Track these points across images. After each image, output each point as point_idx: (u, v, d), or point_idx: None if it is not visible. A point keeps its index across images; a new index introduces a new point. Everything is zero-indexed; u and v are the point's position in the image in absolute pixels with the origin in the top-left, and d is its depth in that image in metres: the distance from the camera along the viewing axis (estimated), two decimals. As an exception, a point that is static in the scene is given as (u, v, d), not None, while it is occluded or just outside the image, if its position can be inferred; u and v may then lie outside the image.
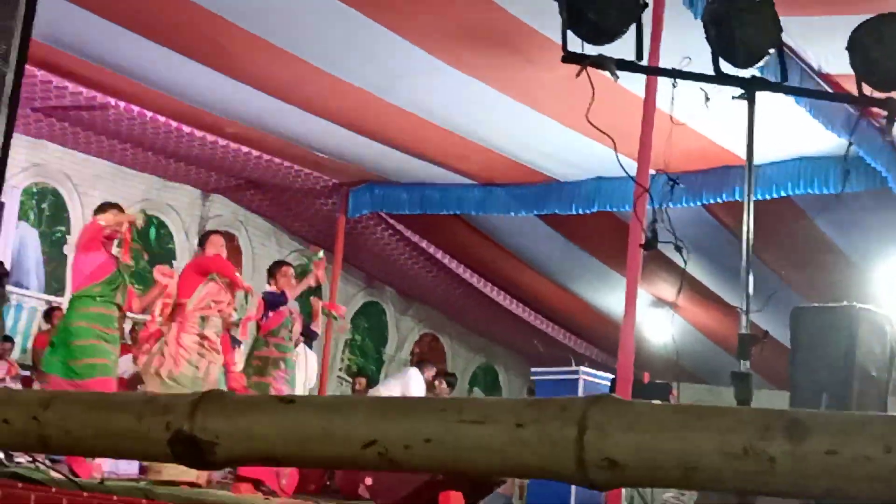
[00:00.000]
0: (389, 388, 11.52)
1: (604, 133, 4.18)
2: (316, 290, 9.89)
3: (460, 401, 1.36)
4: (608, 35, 3.89)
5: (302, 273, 10.00)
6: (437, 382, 11.82)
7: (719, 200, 10.32)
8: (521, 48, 8.43)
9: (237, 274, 8.84)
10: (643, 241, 4.25)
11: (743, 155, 9.40)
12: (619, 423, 1.24)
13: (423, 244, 14.02)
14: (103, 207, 8.23)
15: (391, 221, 13.69)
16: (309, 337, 10.61)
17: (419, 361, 12.57)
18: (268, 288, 9.28)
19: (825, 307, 8.17)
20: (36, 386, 10.73)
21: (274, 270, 9.34)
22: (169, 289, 8.19)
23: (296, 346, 9.54)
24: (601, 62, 3.82)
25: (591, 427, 1.25)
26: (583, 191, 11.27)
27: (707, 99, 4.06)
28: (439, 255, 14.18)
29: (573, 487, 9.55)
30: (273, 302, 9.15)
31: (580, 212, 11.45)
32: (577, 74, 3.79)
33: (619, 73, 3.87)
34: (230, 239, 14.23)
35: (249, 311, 9.10)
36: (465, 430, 1.29)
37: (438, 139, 10.73)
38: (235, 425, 1.54)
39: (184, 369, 7.93)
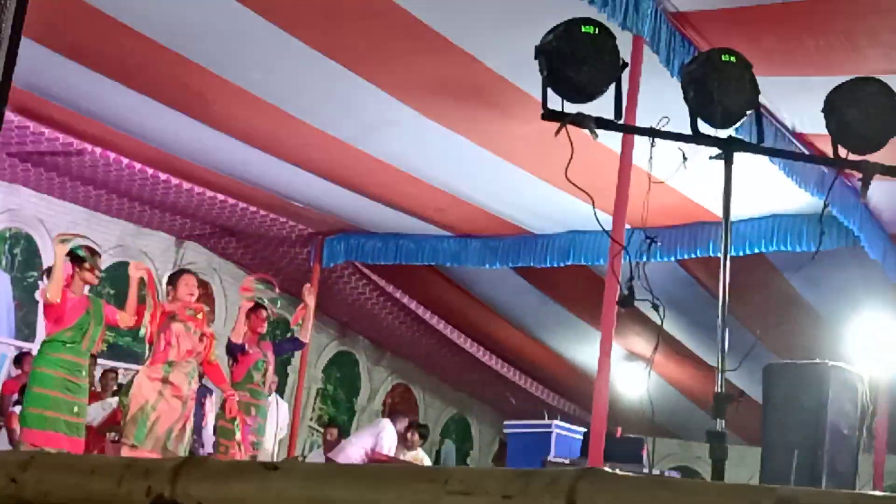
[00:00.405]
0: (362, 439, 11.46)
1: (582, 190, 4.21)
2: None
3: (447, 470, 1.35)
4: (588, 94, 3.92)
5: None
6: (409, 434, 11.76)
7: (693, 256, 10.37)
8: (497, 101, 8.48)
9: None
10: (619, 298, 4.26)
11: (716, 211, 9.55)
12: (608, 497, 1.23)
13: (398, 294, 14.00)
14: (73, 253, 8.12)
15: (365, 271, 13.68)
16: (296, 347, 10.50)
17: (392, 412, 12.53)
18: (231, 337, 9.22)
19: (797, 364, 8.22)
20: (2, 433, 10.62)
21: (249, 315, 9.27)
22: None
23: (269, 392, 9.47)
24: (581, 121, 3.85)
25: (579, 500, 1.24)
26: (557, 244, 11.32)
27: (685, 159, 4.10)
28: (413, 305, 14.16)
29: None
30: (232, 351, 9.11)
31: (554, 265, 11.47)
32: (557, 132, 3.82)
33: (597, 131, 3.90)
34: (204, 286, 14.18)
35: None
36: (452, 501, 1.28)
37: (414, 190, 10.76)
38: (218, 491, 1.52)
39: (133, 416, 7.78)
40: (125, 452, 7.73)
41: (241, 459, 8.60)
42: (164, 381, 7.87)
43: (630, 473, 1.31)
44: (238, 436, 8.70)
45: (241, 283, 9.89)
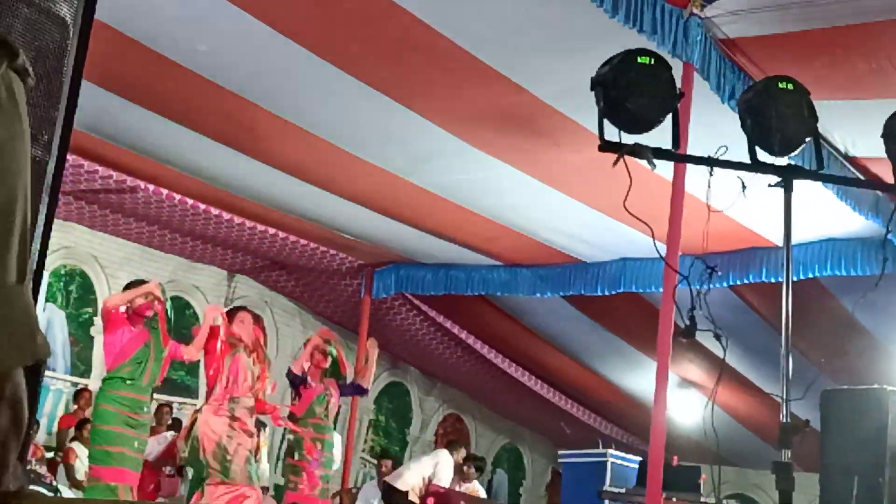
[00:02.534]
0: (421, 465, 11.42)
1: (640, 220, 4.19)
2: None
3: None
4: (645, 125, 3.91)
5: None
6: (465, 467, 11.72)
7: (746, 282, 10.29)
8: (546, 131, 8.49)
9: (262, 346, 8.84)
10: (682, 330, 4.24)
11: (768, 236, 9.54)
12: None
13: (448, 325, 14.00)
14: (128, 286, 8.28)
15: (416, 302, 13.71)
16: (359, 393, 10.52)
17: (449, 443, 12.49)
18: (292, 367, 9.28)
19: (855, 389, 8.13)
20: (60, 469, 10.71)
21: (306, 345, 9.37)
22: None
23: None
24: (639, 151, 3.85)
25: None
26: (608, 272, 11.28)
27: (744, 187, 4.08)
28: (464, 335, 14.15)
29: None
30: (294, 382, 9.15)
31: (606, 293, 11.43)
32: (615, 163, 3.81)
33: (655, 161, 3.89)
34: (256, 320, 14.25)
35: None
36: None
37: (463, 220, 10.78)
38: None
39: (212, 453, 7.88)
40: (218, 488, 7.81)
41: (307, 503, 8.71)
42: (232, 417, 7.96)
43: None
44: (305, 474, 8.76)
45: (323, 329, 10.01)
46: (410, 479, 11.15)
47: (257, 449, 8.33)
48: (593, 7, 6.35)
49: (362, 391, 10.40)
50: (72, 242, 12.57)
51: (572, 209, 9.93)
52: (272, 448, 12.71)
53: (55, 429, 11.97)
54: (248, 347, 8.26)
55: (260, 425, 10.68)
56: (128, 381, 7.70)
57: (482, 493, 12.55)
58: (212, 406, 8.04)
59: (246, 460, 7.97)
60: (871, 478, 7.58)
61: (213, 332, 8.20)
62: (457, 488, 11.50)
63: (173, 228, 12.32)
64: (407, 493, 10.99)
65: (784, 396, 3.73)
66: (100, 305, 12.75)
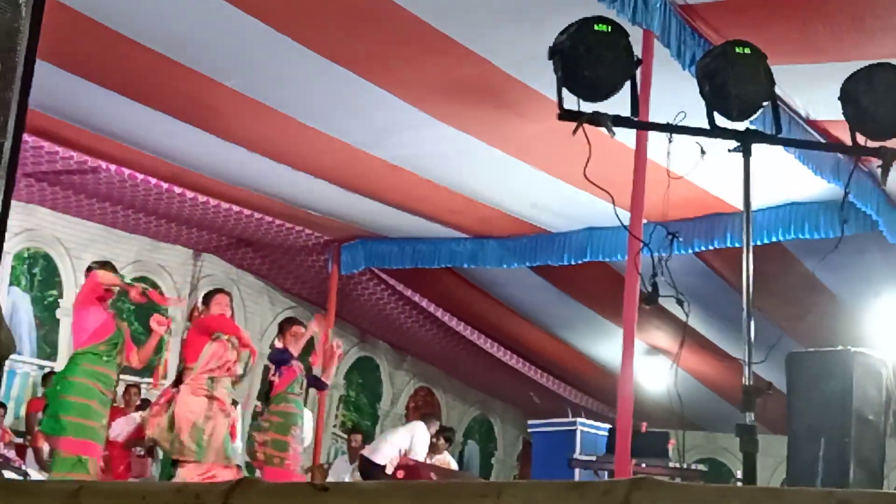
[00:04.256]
0: (397, 437, 11.43)
1: (602, 189, 4.20)
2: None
3: (500, 485, 1.34)
4: (604, 92, 3.92)
5: None
6: (435, 439, 11.76)
7: (711, 248, 10.34)
8: (508, 101, 8.48)
9: (242, 332, 8.84)
10: (644, 296, 4.25)
11: (731, 201, 9.59)
12: (663, 506, 1.22)
13: (416, 298, 14.00)
14: (100, 265, 8.22)
15: (384, 276, 13.69)
16: (318, 387, 10.54)
17: (423, 415, 12.52)
18: (277, 344, 9.30)
19: (820, 352, 8.18)
20: (28, 453, 10.66)
21: (285, 327, 9.38)
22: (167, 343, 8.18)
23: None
24: (598, 119, 3.85)
25: (635, 511, 1.23)
26: (574, 241, 11.30)
27: (703, 153, 4.09)
28: (432, 308, 14.15)
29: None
30: (281, 360, 9.15)
31: (572, 262, 11.45)
32: (574, 132, 3.82)
33: (614, 128, 3.89)
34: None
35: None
36: (505, 516, 1.27)
37: (429, 193, 10.76)
38: (272, 514, 1.51)
39: (189, 433, 7.87)
40: (189, 468, 7.81)
41: (292, 479, 8.73)
42: (210, 397, 7.95)
43: (686, 483, 1.30)
44: (291, 448, 8.80)
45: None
46: (388, 452, 11.17)
47: (233, 426, 8.33)
48: (552, -25, 6.35)
49: (322, 385, 10.40)
50: (35, 225, 12.46)
51: (536, 179, 9.94)
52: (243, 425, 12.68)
53: (23, 413, 11.90)
54: (224, 333, 8.28)
55: (233, 403, 10.70)
56: (104, 358, 7.63)
57: (454, 465, 12.60)
58: (190, 385, 8.02)
59: (223, 440, 7.97)
60: (838, 439, 7.65)
61: (204, 323, 8.28)
62: (428, 461, 11.54)
63: (137, 208, 12.24)
64: (384, 466, 11.02)
65: (747, 360, 3.76)
66: (65, 287, 12.70)
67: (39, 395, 11.66)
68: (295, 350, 9.19)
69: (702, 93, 4.04)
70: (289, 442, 8.82)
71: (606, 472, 9.89)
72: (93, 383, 7.54)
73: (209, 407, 7.94)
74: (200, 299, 8.44)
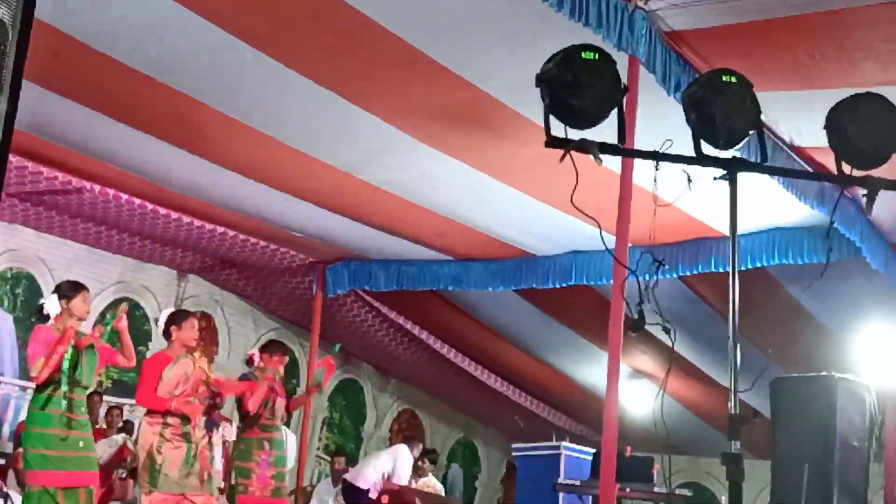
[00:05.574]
0: (379, 461, 11.38)
1: (588, 216, 4.21)
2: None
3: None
4: (591, 120, 3.92)
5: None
6: (420, 461, 11.72)
7: (696, 272, 10.36)
8: (495, 125, 8.49)
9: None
10: (630, 323, 4.25)
11: (716, 226, 9.61)
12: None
13: (401, 321, 14.00)
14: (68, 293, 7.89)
15: (368, 299, 13.69)
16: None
17: (406, 438, 12.45)
18: (256, 360, 9.16)
19: (804, 377, 8.21)
20: (10, 474, 10.56)
21: (273, 350, 9.25)
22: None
23: (282, 422, 9.35)
24: (585, 147, 3.85)
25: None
26: (559, 265, 11.31)
27: (690, 181, 4.10)
28: (417, 331, 14.15)
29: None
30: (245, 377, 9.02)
31: (557, 285, 11.46)
32: (561, 159, 3.82)
33: (601, 156, 3.90)
34: (207, 319, 14.17)
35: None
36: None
37: (414, 216, 10.77)
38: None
39: (142, 464, 7.70)
40: (144, 501, 7.66)
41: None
42: (164, 424, 7.73)
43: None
44: (255, 476, 8.66)
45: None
46: (371, 476, 11.12)
47: (202, 459, 7.98)
48: (539, 1, 6.36)
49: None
50: (18, 245, 12.42)
51: (522, 203, 9.94)
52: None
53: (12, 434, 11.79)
54: (191, 350, 8.07)
55: (213, 425, 10.60)
56: (63, 380, 7.28)
57: (439, 488, 12.56)
58: (149, 414, 7.86)
59: (181, 466, 7.77)
60: (822, 464, 7.67)
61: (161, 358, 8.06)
62: (413, 483, 11.50)
63: (121, 228, 12.22)
64: (368, 490, 10.96)
65: (732, 388, 3.76)
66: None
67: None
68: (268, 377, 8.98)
69: (688, 121, 4.05)
70: (252, 469, 8.69)
71: (591, 497, 9.87)
72: (53, 410, 7.25)
73: (161, 435, 7.69)
74: (165, 319, 8.17)
